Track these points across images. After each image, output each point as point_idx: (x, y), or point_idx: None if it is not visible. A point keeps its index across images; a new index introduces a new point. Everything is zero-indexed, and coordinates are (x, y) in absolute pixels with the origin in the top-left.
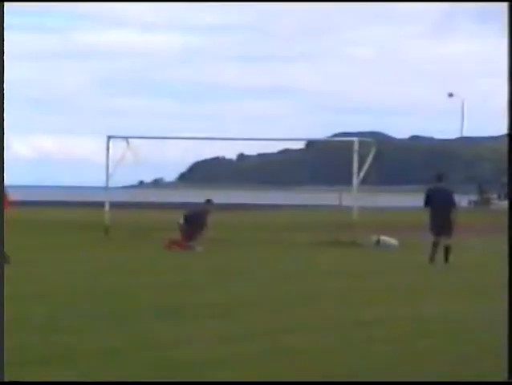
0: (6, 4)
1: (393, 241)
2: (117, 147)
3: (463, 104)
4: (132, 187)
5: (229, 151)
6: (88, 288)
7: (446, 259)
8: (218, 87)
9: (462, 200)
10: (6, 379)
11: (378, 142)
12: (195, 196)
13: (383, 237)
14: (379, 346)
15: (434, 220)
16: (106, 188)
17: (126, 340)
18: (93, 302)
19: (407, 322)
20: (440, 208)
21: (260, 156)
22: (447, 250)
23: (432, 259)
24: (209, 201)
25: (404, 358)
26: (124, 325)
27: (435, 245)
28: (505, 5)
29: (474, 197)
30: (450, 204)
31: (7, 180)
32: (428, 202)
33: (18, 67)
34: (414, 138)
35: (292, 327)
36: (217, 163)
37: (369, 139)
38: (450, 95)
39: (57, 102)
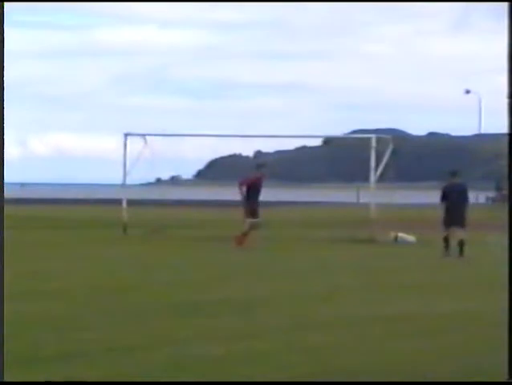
0: (21, 3)
1: (411, 238)
2: (134, 145)
3: (480, 101)
4: (150, 184)
5: (246, 148)
6: (106, 285)
7: (461, 252)
8: (235, 84)
9: (480, 197)
10: (25, 375)
11: (395, 139)
12: (212, 193)
13: (400, 234)
14: (397, 343)
15: (448, 215)
16: (123, 186)
17: (144, 337)
18: (111, 299)
19: (425, 318)
20: (456, 203)
21: (277, 152)
22: (462, 244)
23: (447, 253)
24: (261, 166)
25: (422, 354)
26: (142, 322)
27: (446, 239)
28: (506, 5)
29: (492, 194)
30: (465, 199)
31: (25, 178)
32: (444, 199)
33: (35, 65)
34: (431, 135)
35: (310, 324)
36: (234, 160)
37: (386, 136)
38: (467, 91)
39: (74, 100)
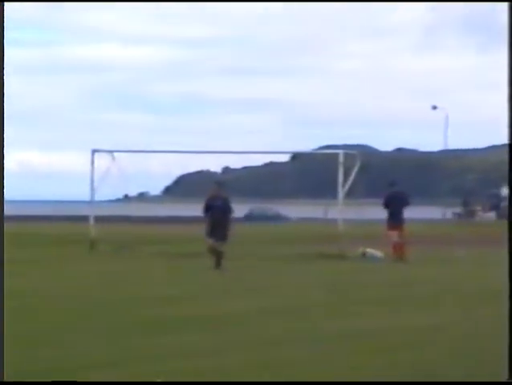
0: None
1: (379, 254)
2: (102, 161)
3: (447, 117)
4: (118, 200)
5: (214, 164)
6: (73, 302)
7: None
8: (203, 100)
9: (447, 213)
10: None
11: (363, 154)
12: (180, 209)
13: (368, 250)
14: (365, 358)
15: (211, 227)
16: (91, 202)
17: (112, 354)
18: (78, 316)
19: (392, 333)
20: (218, 217)
21: (245, 168)
22: (219, 256)
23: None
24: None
25: (388, 369)
26: (110, 339)
27: (213, 250)
28: (506, 5)
29: (459, 209)
30: (227, 212)
31: None
32: (207, 211)
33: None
34: (399, 150)
35: (278, 339)
36: (202, 176)
37: (354, 152)
38: (434, 107)
39: (41, 116)
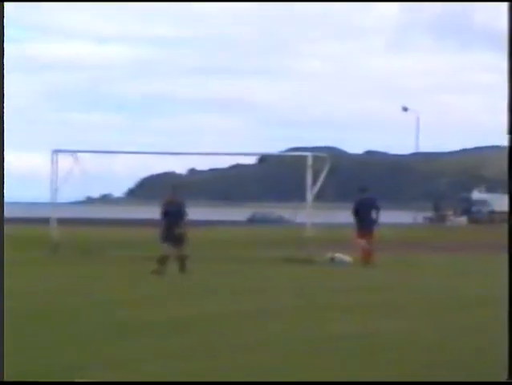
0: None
1: (347, 258)
2: (64, 162)
3: (418, 119)
4: (80, 202)
5: (180, 166)
6: (44, 307)
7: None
8: (170, 100)
9: (418, 217)
10: None
11: (332, 157)
12: (144, 212)
13: (337, 254)
14: (343, 361)
15: (165, 231)
16: (52, 204)
17: (91, 357)
18: (50, 321)
19: (360, 338)
20: (172, 221)
21: (211, 170)
22: (182, 259)
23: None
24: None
25: (368, 371)
26: (85, 343)
27: (165, 258)
28: (506, 5)
29: (430, 214)
30: (181, 216)
31: None
32: (164, 215)
33: None
34: (369, 153)
35: (251, 343)
36: (167, 178)
37: (323, 154)
38: (405, 109)
39: (7, 116)
